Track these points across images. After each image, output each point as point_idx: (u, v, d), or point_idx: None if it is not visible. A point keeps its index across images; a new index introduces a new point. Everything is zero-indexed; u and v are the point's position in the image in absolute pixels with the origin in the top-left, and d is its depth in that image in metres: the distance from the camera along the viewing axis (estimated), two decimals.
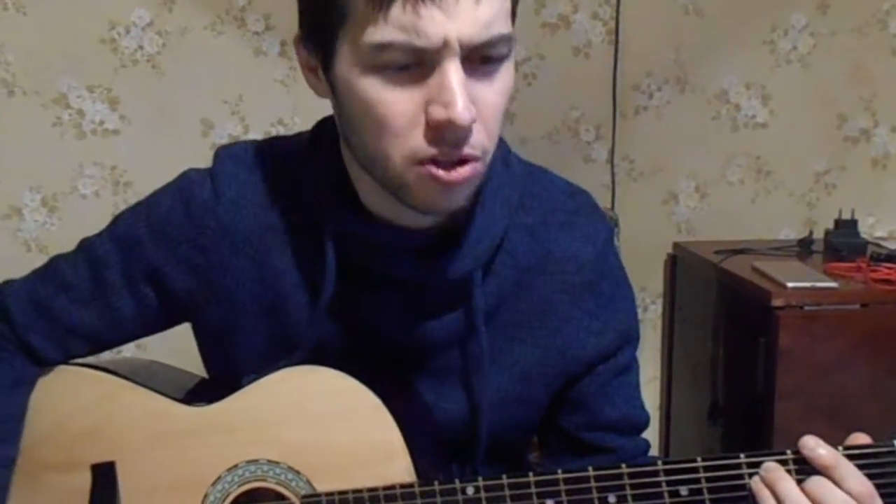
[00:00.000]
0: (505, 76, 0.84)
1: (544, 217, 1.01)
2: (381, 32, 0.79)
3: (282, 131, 2.36)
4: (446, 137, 0.81)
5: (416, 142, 0.82)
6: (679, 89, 2.49)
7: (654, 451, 1.11)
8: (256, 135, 2.36)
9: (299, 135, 1.03)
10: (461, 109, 0.79)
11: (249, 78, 2.34)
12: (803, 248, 2.36)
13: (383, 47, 0.79)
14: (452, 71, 0.79)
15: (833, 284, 2.00)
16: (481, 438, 1.01)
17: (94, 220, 1.11)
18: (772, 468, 0.85)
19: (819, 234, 2.37)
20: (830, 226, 2.34)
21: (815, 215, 2.54)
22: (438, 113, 0.80)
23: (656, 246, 2.55)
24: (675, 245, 2.53)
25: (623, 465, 0.88)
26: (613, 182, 2.49)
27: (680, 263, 2.52)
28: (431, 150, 0.82)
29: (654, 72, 2.47)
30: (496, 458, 1.04)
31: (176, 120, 2.33)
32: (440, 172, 0.83)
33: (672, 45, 2.46)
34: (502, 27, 0.81)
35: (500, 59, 0.83)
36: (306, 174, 0.97)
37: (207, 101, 2.34)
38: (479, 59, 0.82)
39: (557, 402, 1.05)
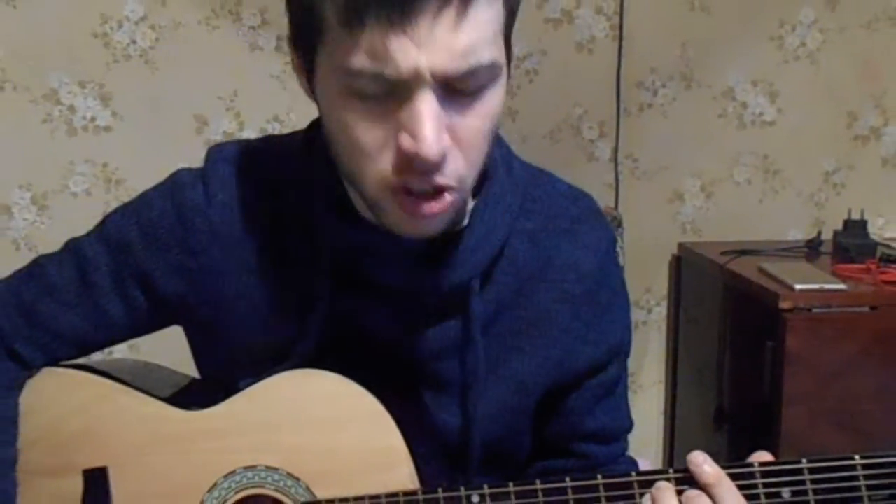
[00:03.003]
0: (490, 100, 0.81)
1: (546, 223, 1.01)
2: (353, 58, 0.76)
3: (277, 128, 2.35)
4: (415, 167, 0.79)
5: (387, 167, 0.81)
6: (685, 86, 2.48)
7: (657, 457, 1.10)
8: (252, 131, 2.36)
9: (294, 134, 1.02)
10: (429, 143, 0.77)
11: (245, 73, 2.33)
12: (811, 249, 2.36)
13: (355, 74, 0.77)
14: (422, 102, 0.77)
15: (842, 286, 2.00)
16: (474, 452, 1.00)
17: (85, 219, 1.10)
18: (662, 486, 0.85)
19: (828, 235, 2.36)
20: (839, 226, 2.32)
21: (824, 216, 2.54)
22: (407, 143, 0.78)
23: (661, 246, 2.54)
24: (680, 246, 2.53)
25: (633, 473, 0.87)
26: (617, 181, 2.48)
27: (685, 264, 2.51)
28: (401, 178, 0.81)
29: (659, 68, 2.47)
30: (494, 467, 1.03)
31: (169, 116, 2.32)
32: (411, 203, 0.82)
33: (677, 40, 2.45)
34: (485, 55, 0.78)
35: (483, 87, 0.80)
36: (299, 178, 0.97)
37: (201, 96, 2.33)
38: (459, 88, 0.79)
39: (539, 408, 1.05)
